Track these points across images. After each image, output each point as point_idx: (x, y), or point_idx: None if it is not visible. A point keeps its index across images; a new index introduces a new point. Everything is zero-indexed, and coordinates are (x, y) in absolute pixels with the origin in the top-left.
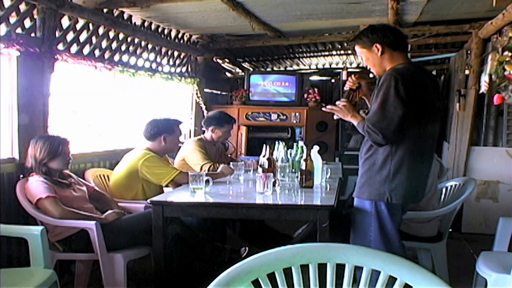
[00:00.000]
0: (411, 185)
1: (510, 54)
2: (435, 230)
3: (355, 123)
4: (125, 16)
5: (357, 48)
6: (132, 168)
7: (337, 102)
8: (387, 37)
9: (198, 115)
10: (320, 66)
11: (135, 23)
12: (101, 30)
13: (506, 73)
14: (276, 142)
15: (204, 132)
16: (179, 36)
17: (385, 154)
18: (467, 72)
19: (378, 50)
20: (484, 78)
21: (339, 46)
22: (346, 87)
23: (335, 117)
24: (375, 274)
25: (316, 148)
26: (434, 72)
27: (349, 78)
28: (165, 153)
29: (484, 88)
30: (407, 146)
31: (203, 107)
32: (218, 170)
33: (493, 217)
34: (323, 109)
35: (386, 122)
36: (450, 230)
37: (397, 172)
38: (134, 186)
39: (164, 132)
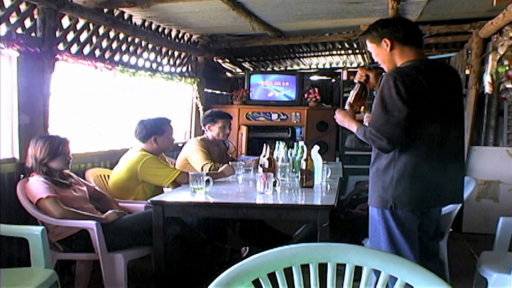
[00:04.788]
0: (420, 191)
1: None
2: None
3: (353, 130)
4: (126, 16)
5: (367, 42)
6: (131, 171)
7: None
8: (398, 31)
9: (198, 116)
10: (320, 66)
11: (135, 23)
12: (101, 30)
13: (510, 72)
14: (277, 142)
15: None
16: (179, 36)
17: (388, 159)
18: (467, 71)
19: (387, 45)
20: (487, 79)
21: (340, 46)
22: (355, 80)
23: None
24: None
25: (316, 148)
26: None
27: (358, 71)
28: (160, 153)
29: (488, 88)
30: (412, 151)
31: (200, 107)
32: (219, 170)
33: (493, 217)
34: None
35: (390, 126)
36: (451, 230)
37: (401, 178)
38: (134, 188)
39: (153, 133)
